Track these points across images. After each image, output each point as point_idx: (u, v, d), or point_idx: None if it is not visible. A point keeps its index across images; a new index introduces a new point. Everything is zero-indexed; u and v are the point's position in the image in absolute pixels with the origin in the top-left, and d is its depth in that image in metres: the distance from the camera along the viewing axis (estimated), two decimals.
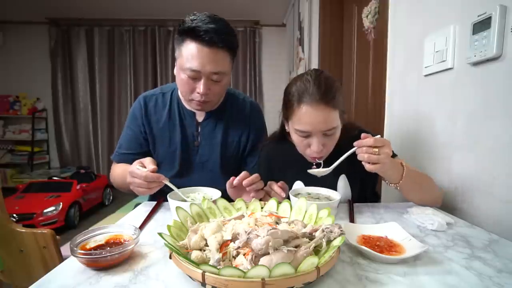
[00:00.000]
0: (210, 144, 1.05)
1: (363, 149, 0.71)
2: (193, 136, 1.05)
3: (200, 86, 0.88)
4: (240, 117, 1.08)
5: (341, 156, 0.80)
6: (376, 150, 0.69)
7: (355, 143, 0.73)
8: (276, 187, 0.84)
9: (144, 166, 0.77)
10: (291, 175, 0.97)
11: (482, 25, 0.73)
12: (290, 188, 0.93)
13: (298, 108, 0.81)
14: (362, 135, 0.73)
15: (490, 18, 0.70)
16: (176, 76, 0.94)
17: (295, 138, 0.87)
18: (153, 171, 0.75)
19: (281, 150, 1.01)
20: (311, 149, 0.83)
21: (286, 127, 0.92)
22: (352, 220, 0.75)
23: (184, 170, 1.05)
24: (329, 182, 0.92)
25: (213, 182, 0.92)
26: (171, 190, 0.81)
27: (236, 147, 1.08)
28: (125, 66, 4.49)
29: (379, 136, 0.72)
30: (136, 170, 0.76)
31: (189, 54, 0.86)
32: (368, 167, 0.71)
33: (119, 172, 1.01)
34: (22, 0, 3.84)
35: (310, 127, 0.80)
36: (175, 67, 0.94)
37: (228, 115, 1.07)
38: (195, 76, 0.88)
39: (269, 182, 0.87)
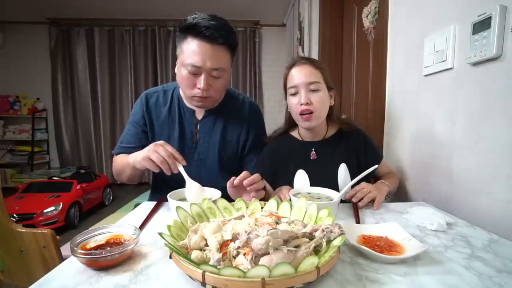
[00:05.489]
0: (208, 142, 1.05)
1: (358, 196, 0.85)
2: (192, 134, 1.06)
3: (201, 82, 0.90)
4: (239, 117, 1.09)
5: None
6: (366, 190, 0.86)
7: (353, 200, 0.86)
8: (286, 192, 0.86)
9: None
10: (293, 165, 1.02)
11: (482, 25, 0.73)
12: (293, 177, 1.00)
13: (289, 73, 0.99)
14: (347, 196, 0.87)
15: (490, 18, 0.70)
16: (177, 73, 0.96)
17: (289, 100, 1.00)
18: (182, 158, 0.82)
19: (284, 143, 1.08)
20: (300, 102, 0.95)
21: (288, 107, 1.03)
22: (358, 221, 0.75)
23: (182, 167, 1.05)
24: (330, 170, 0.99)
25: (212, 179, 0.94)
26: (172, 190, 0.81)
27: (234, 146, 1.08)
28: (125, 66, 4.49)
29: (360, 187, 0.87)
30: (169, 145, 0.83)
31: (190, 50, 0.88)
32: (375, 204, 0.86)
33: (123, 157, 1.02)
34: (22, 0, 3.84)
35: (296, 80, 0.95)
36: (177, 64, 0.96)
37: (227, 114, 1.08)
38: (196, 71, 0.90)
39: (279, 187, 0.94)
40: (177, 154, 0.81)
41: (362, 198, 0.85)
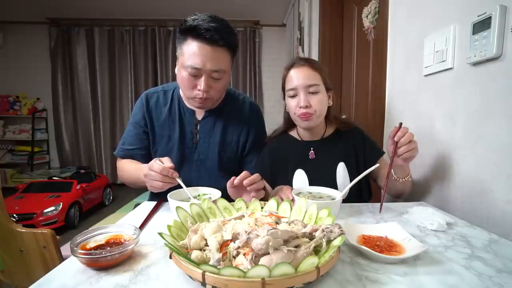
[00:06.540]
0: (208, 142, 1.06)
1: (407, 146, 0.80)
2: (192, 134, 1.06)
3: (201, 83, 0.90)
4: (239, 117, 1.09)
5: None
6: (413, 140, 0.81)
7: (396, 138, 0.81)
8: (289, 192, 0.85)
9: (163, 163, 0.81)
10: (293, 164, 1.03)
11: (482, 25, 0.73)
12: (292, 176, 1.01)
13: (287, 74, 0.99)
14: (401, 130, 0.80)
15: (490, 18, 0.70)
16: (177, 74, 0.96)
17: (288, 102, 0.99)
18: (170, 168, 0.80)
19: (283, 143, 1.09)
20: (299, 105, 0.94)
21: (286, 107, 1.03)
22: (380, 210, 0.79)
23: (182, 168, 1.05)
24: (329, 169, 0.99)
25: (212, 180, 0.94)
26: (172, 190, 0.81)
27: (234, 147, 1.08)
28: (125, 66, 4.50)
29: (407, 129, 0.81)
30: (154, 164, 0.80)
31: (190, 52, 0.87)
32: (407, 155, 0.80)
33: (132, 168, 1.03)
34: (22, 0, 3.84)
35: (295, 82, 0.95)
36: (176, 65, 0.95)
37: (227, 115, 1.08)
38: (196, 73, 0.89)
39: (280, 186, 0.92)
40: (165, 171, 0.78)
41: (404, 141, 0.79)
